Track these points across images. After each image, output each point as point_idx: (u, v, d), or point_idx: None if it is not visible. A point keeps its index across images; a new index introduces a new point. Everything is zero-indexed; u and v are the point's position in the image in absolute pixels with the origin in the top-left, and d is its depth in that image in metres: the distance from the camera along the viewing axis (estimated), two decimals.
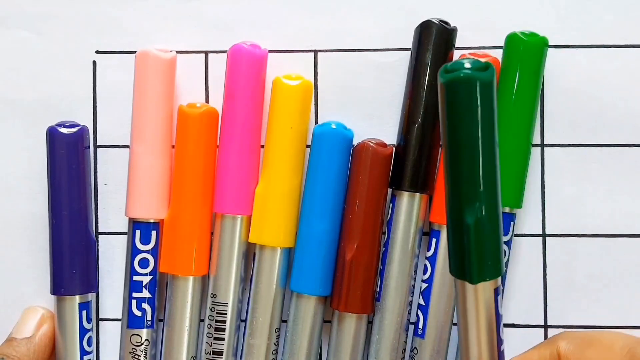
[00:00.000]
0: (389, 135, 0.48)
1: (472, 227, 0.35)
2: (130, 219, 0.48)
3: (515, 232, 0.48)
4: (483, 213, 0.35)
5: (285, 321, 0.48)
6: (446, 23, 0.46)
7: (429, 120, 0.46)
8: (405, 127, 0.46)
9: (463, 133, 0.35)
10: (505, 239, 0.47)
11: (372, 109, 0.48)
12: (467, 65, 0.34)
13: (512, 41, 0.46)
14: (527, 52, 0.46)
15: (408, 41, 0.47)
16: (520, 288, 0.48)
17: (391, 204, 0.47)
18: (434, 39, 0.46)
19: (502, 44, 0.47)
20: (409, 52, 0.47)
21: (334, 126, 0.46)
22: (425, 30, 0.46)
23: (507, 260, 0.47)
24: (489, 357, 0.38)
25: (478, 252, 0.36)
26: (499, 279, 0.37)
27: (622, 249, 0.48)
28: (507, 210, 0.47)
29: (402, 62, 0.48)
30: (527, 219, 0.48)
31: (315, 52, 0.49)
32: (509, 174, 0.46)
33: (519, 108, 0.46)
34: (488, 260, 0.36)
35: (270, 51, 0.48)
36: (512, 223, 0.47)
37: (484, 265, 0.36)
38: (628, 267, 0.48)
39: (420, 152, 0.46)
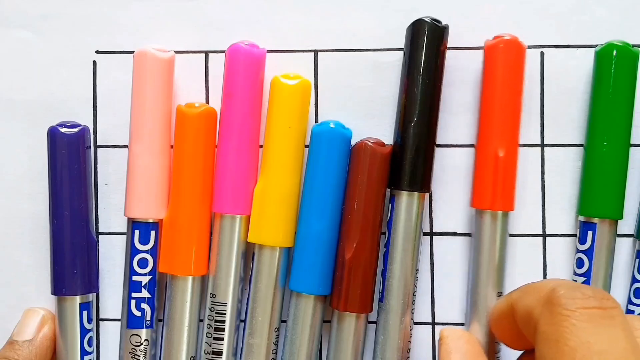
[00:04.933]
0: (388, 134, 0.48)
1: None
2: (129, 219, 0.48)
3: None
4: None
5: (284, 321, 0.48)
6: (438, 21, 0.46)
7: (424, 118, 0.46)
8: (402, 126, 0.46)
9: None
10: (584, 247, 0.47)
11: (372, 108, 0.48)
12: None
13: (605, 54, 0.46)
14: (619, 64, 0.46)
15: None
16: None
17: (390, 204, 0.47)
18: (426, 38, 0.46)
19: None
20: None
21: (332, 125, 0.46)
22: (417, 28, 0.46)
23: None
24: None
25: None
26: None
27: (622, 248, 0.48)
28: (594, 220, 0.47)
29: (401, 62, 0.48)
30: (527, 219, 0.48)
31: (315, 52, 0.49)
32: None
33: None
34: None
35: (271, 51, 0.48)
36: (590, 232, 0.47)
37: None
38: (627, 267, 0.48)
39: (417, 150, 0.46)
